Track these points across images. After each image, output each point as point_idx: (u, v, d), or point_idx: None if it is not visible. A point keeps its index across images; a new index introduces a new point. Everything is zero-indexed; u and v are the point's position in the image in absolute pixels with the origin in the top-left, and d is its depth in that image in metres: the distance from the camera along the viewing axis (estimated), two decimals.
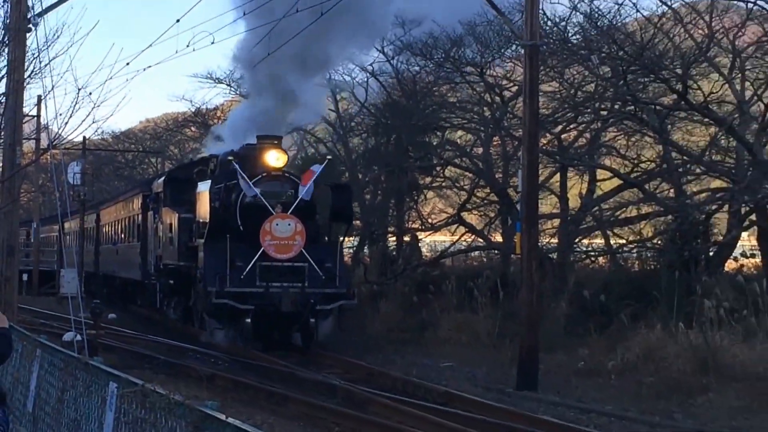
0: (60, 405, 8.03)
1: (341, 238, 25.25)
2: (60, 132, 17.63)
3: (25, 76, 20.87)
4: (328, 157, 27.27)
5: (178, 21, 28.69)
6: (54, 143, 17.22)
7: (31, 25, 20.05)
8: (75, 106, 15.37)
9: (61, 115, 15.04)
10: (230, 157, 23.74)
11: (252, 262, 22.38)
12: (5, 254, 21.14)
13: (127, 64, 25.94)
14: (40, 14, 19.32)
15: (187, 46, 29.80)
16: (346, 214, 25.84)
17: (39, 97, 39.11)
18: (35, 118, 40.47)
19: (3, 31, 20.07)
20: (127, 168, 64.52)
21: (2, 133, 21.51)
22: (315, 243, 23.77)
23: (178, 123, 59.45)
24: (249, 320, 22.06)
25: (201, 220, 24.78)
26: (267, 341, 23.09)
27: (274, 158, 23.81)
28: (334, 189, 25.81)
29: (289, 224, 22.64)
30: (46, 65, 16.06)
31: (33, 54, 21.33)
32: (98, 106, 15.13)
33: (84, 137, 42.41)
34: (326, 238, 25.54)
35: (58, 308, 34.34)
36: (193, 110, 54.13)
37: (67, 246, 32.74)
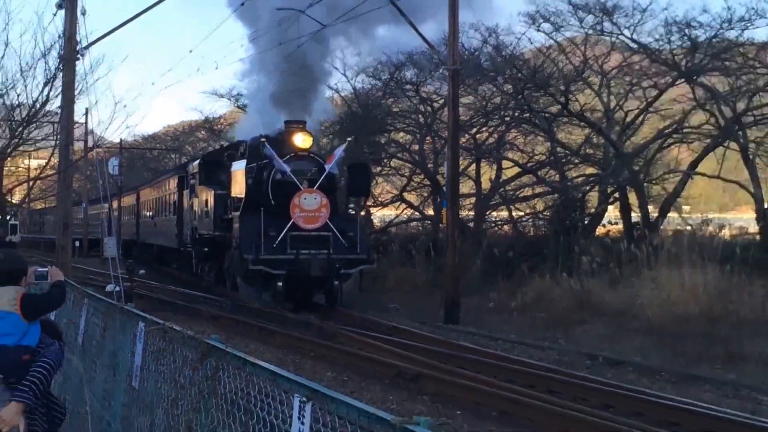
0: (102, 339, 7.97)
1: (361, 210, 21.72)
2: (102, 135, 17.55)
3: (75, 94, 20.60)
4: (349, 138, 24.86)
5: (191, 51, 28.57)
6: (97, 144, 17.00)
7: (79, 56, 19.80)
8: (113, 115, 15.33)
9: (102, 122, 14.99)
10: (263, 139, 21.01)
11: (284, 232, 19.82)
12: (61, 228, 20.95)
13: (153, 83, 25.85)
14: (86, 47, 19.11)
15: (197, 70, 29.75)
16: (365, 189, 23.49)
17: (86, 109, 38.35)
18: (83, 125, 39.70)
19: (59, 60, 19.76)
20: (153, 162, 63.95)
21: (59, 136, 21.21)
22: (336, 215, 21.31)
23: (191, 128, 58.92)
24: (281, 284, 19.57)
25: (235, 196, 22.04)
26: (295, 302, 20.70)
27: (301, 140, 20.96)
28: (352, 168, 23.09)
29: (315, 198, 20.10)
30: (91, 85, 15.90)
31: (81, 77, 21.10)
32: (131, 115, 15.02)
33: (120, 139, 42.18)
34: (340, 211, 22.83)
35: (102, 267, 33.89)
36: (203, 118, 53.68)
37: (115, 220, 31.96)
